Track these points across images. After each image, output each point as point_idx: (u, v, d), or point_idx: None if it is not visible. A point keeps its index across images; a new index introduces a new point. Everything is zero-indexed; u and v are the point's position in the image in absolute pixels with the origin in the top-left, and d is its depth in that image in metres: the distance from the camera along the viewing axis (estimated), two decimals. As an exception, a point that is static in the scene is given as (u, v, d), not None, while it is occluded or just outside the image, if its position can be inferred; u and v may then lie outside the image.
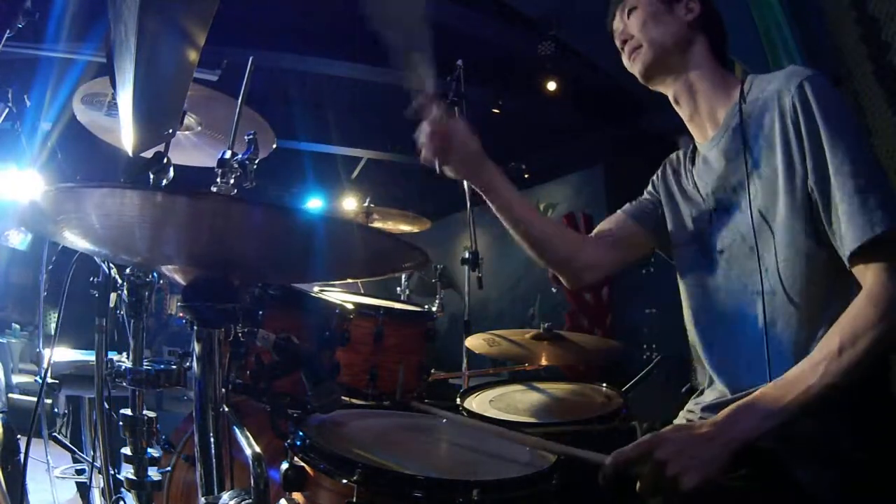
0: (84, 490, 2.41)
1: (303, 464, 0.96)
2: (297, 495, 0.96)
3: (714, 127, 1.22)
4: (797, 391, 0.93)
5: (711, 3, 1.26)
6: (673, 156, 1.39)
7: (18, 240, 2.73)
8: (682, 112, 1.28)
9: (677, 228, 1.32)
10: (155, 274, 1.51)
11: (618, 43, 1.30)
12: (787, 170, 1.05)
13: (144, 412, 1.48)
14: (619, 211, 1.42)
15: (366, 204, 3.19)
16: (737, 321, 1.14)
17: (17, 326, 4.52)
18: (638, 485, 0.90)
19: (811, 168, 1.02)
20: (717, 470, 0.88)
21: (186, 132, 1.81)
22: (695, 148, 1.31)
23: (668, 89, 1.27)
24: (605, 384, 1.79)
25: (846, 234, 0.97)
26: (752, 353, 1.10)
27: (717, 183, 1.21)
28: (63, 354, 2.73)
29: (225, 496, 0.89)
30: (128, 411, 1.47)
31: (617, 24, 1.30)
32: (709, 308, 1.22)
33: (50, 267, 1.73)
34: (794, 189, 1.04)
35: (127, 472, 1.47)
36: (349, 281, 2.19)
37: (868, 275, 0.96)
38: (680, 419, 1.25)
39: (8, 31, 2.14)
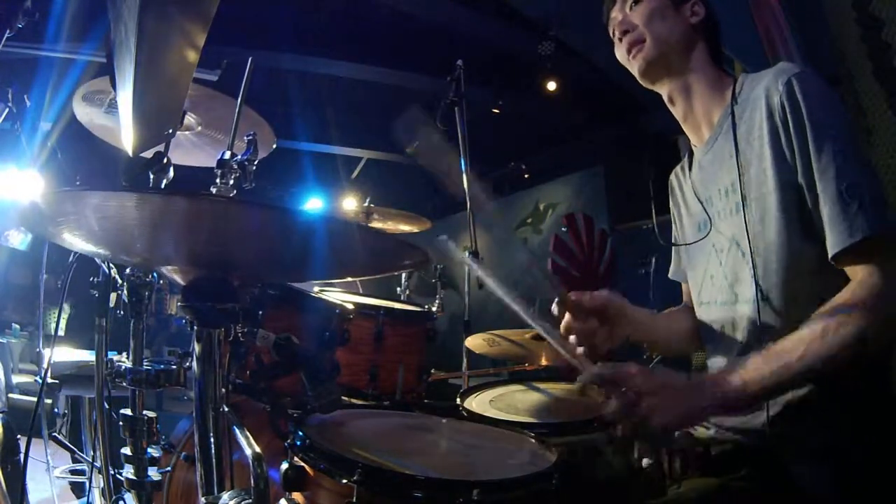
0: (79, 490, 2.42)
1: (303, 464, 0.96)
2: (297, 495, 0.96)
3: (709, 129, 1.22)
4: (777, 365, 0.93)
5: (713, 9, 1.24)
6: (672, 176, 1.39)
7: (18, 240, 2.72)
8: (676, 112, 1.27)
9: (684, 239, 1.33)
10: (155, 274, 1.51)
11: (615, 33, 1.26)
12: (777, 169, 1.04)
13: (144, 412, 1.48)
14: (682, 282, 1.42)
15: (366, 204, 3.19)
16: (733, 327, 1.15)
17: (17, 326, 4.52)
18: (611, 407, 0.93)
19: (799, 167, 1.01)
20: (688, 421, 0.90)
21: (186, 132, 1.81)
22: (692, 153, 1.30)
23: (664, 88, 1.25)
24: (605, 384, 1.78)
25: (829, 238, 0.98)
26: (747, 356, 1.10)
27: (712, 187, 1.20)
28: (66, 354, 2.73)
29: (225, 496, 0.89)
30: (128, 411, 1.47)
31: (616, 14, 1.26)
32: (709, 313, 1.23)
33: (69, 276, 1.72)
34: (786, 187, 1.03)
35: (127, 472, 1.47)
36: (348, 280, 2.19)
37: (857, 273, 0.97)
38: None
39: (8, 31, 2.14)
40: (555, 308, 1.27)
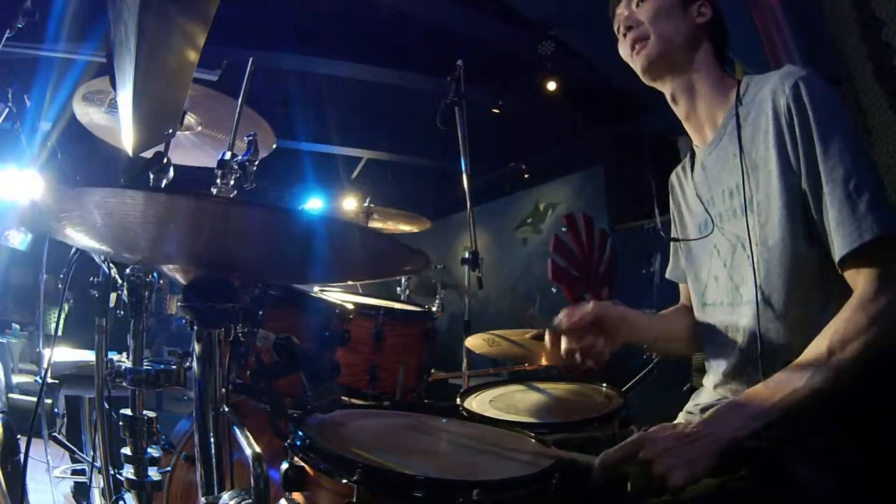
0: (83, 490, 2.41)
1: (303, 464, 0.96)
2: (296, 495, 0.96)
3: (712, 129, 1.22)
4: (784, 393, 0.93)
5: (720, 11, 1.24)
6: (672, 176, 1.39)
7: (18, 240, 2.73)
8: (679, 111, 1.26)
9: (685, 240, 1.32)
10: (155, 274, 1.51)
11: (620, 29, 1.25)
12: (782, 172, 1.04)
13: (144, 412, 1.48)
14: (679, 283, 1.42)
15: (366, 204, 3.19)
16: (736, 329, 1.14)
17: (17, 326, 4.52)
18: (629, 485, 0.90)
19: (804, 171, 1.01)
20: (702, 468, 0.88)
21: (186, 132, 1.81)
22: (693, 154, 1.30)
23: (667, 87, 1.24)
24: (605, 384, 1.78)
25: (836, 240, 0.97)
26: (749, 359, 1.10)
27: (715, 188, 1.20)
28: (66, 354, 2.73)
29: (225, 496, 0.89)
30: (128, 411, 1.47)
31: (622, 10, 1.25)
32: (713, 314, 1.22)
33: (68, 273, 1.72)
34: (790, 191, 1.03)
35: (127, 472, 1.47)
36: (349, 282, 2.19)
37: (859, 280, 0.96)
38: (679, 420, 1.25)
39: (8, 31, 2.14)
40: (547, 339, 1.27)
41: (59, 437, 2.67)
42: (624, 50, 1.25)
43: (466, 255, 2.40)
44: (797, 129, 1.01)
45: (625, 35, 1.23)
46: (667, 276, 1.45)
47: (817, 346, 0.94)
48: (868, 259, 0.95)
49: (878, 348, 0.92)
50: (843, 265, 0.97)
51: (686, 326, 1.34)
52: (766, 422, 0.92)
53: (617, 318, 1.28)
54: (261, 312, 1.29)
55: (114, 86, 1.15)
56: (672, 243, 1.42)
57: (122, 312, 1.68)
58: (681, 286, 1.41)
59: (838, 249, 0.97)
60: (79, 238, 0.92)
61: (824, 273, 1.01)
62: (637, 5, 1.22)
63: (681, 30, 1.19)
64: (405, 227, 3.35)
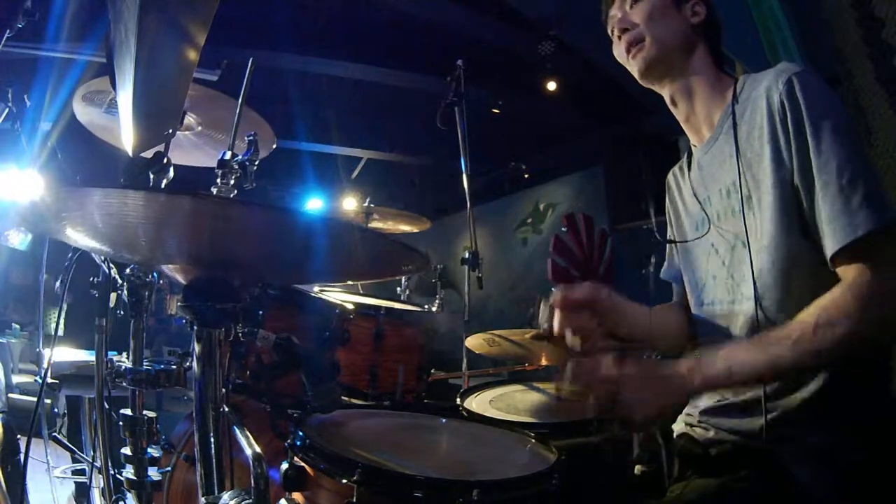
0: (83, 491, 2.42)
1: (303, 464, 0.96)
2: (297, 495, 0.96)
3: (710, 129, 1.21)
4: (767, 356, 0.93)
5: (714, 9, 1.24)
6: (669, 175, 1.39)
7: (18, 240, 2.72)
8: (678, 113, 1.26)
9: (682, 238, 1.32)
10: (155, 274, 1.51)
11: (614, 31, 1.24)
12: (775, 168, 1.03)
13: (144, 412, 1.48)
14: (673, 283, 1.43)
15: (366, 204, 3.20)
16: (734, 327, 1.14)
17: (17, 326, 4.52)
18: (590, 406, 0.94)
19: (797, 166, 1.00)
20: (670, 409, 0.90)
21: (186, 132, 1.81)
22: (690, 153, 1.30)
23: (665, 89, 1.24)
24: (604, 384, 1.78)
25: (829, 234, 0.96)
26: None
27: (712, 187, 1.20)
28: (66, 354, 2.73)
29: (225, 496, 0.89)
30: (128, 411, 1.47)
31: (615, 12, 1.24)
32: (712, 313, 1.22)
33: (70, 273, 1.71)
34: (783, 186, 1.02)
35: (127, 472, 1.47)
36: (349, 282, 2.19)
37: (850, 272, 0.96)
38: (679, 422, 1.25)
39: (8, 31, 2.14)
40: (543, 314, 1.27)
41: (59, 437, 2.67)
42: (619, 52, 1.25)
43: (466, 255, 2.40)
44: (790, 124, 1.01)
45: (619, 37, 1.22)
46: (661, 275, 1.45)
47: (804, 319, 0.94)
48: (861, 252, 0.94)
49: (863, 336, 0.92)
50: (836, 259, 0.97)
51: (680, 322, 1.34)
52: (743, 380, 0.94)
53: (613, 303, 1.27)
54: (261, 312, 1.29)
55: (114, 86, 1.15)
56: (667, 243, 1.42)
57: (122, 312, 1.68)
58: (674, 286, 1.41)
59: (832, 244, 0.96)
60: (79, 238, 0.92)
61: (819, 268, 1.00)
62: (630, 7, 1.21)
63: (676, 31, 1.18)
64: (405, 227, 3.36)
